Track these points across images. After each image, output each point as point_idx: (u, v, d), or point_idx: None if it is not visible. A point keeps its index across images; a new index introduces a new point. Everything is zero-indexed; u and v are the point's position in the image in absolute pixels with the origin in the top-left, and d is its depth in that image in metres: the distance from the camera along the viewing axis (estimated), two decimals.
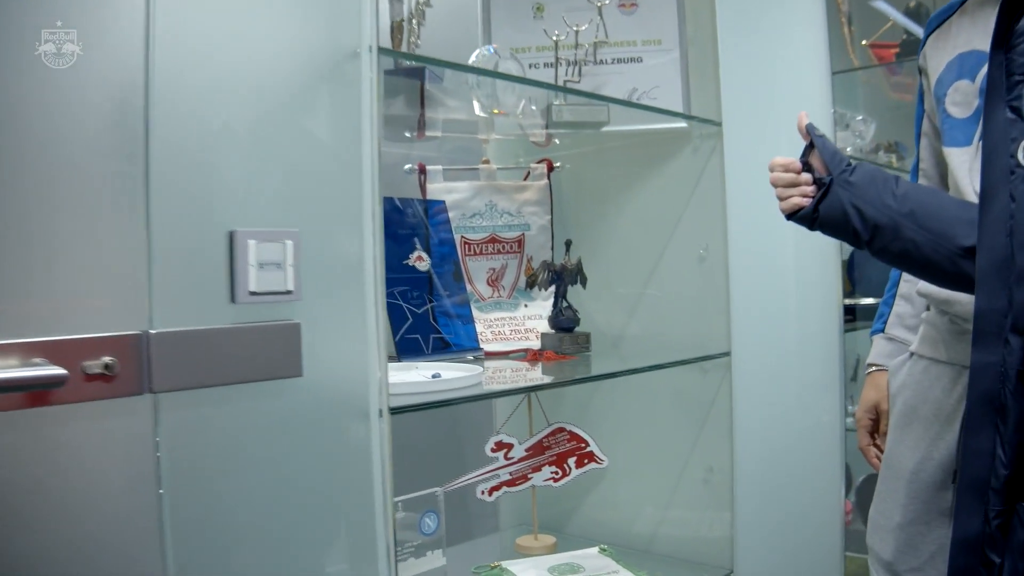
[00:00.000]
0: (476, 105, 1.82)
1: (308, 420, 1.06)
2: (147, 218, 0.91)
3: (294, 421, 1.04)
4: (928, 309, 1.43)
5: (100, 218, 0.87)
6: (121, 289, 0.90)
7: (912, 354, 1.43)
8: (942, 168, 1.46)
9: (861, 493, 2.32)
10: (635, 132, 1.95)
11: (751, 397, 1.91)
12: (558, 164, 2.04)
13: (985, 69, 1.25)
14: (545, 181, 2.04)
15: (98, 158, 0.85)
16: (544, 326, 1.93)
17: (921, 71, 1.46)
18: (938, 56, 1.38)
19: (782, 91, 1.94)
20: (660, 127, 1.93)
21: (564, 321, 1.88)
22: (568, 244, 1.92)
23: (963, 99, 1.31)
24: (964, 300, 1.26)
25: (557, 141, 2.06)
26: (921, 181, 1.51)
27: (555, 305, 1.90)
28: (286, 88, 1.06)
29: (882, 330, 1.55)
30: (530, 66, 1.87)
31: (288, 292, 1.03)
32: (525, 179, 2.03)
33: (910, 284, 1.51)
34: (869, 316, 1.69)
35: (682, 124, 1.91)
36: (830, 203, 1.18)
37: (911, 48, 3.25)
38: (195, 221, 0.96)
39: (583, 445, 1.80)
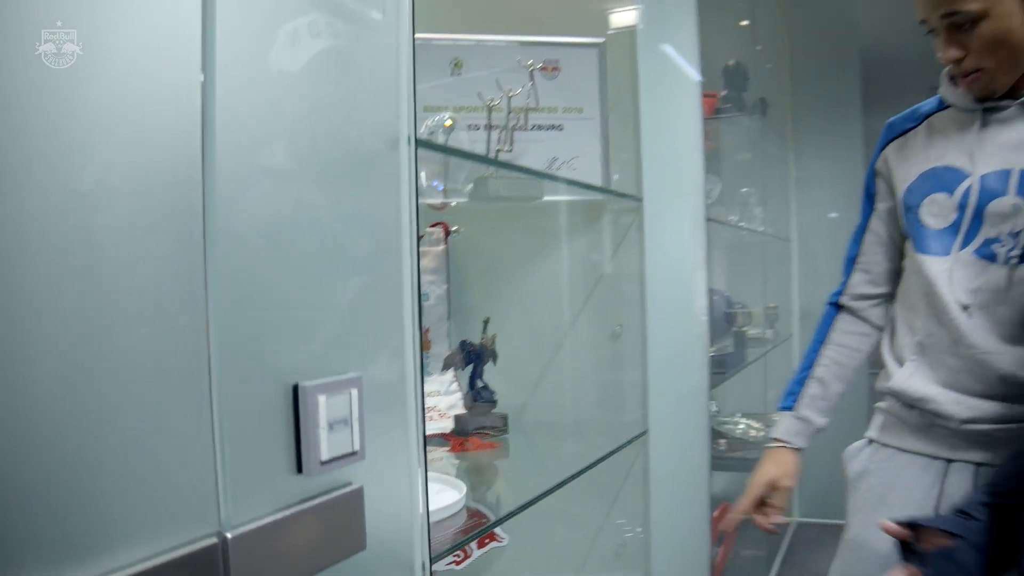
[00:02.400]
0: None
1: None
2: (209, 373, 0.68)
3: None
4: (883, 400, 1.49)
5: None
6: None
7: (871, 441, 1.49)
8: (889, 266, 1.53)
9: None
10: (549, 201, 1.86)
11: (665, 472, 1.90)
12: (455, 228, 1.89)
13: (966, 184, 1.32)
14: (443, 247, 1.88)
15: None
16: (445, 402, 1.78)
17: (878, 173, 1.52)
18: (906, 166, 1.44)
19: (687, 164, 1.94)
20: (577, 198, 1.85)
21: (483, 405, 1.74)
22: (486, 323, 1.78)
23: (940, 211, 1.37)
24: (943, 398, 1.33)
25: (454, 203, 1.91)
26: (858, 275, 1.57)
27: (471, 386, 1.76)
28: (333, 183, 0.85)
29: (791, 408, 1.58)
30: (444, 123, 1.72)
31: (354, 453, 0.82)
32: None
33: (826, 368, 1.57)
34: None
35: (600, 196, 1.84)
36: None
37: (730, 102, 3.46)
38: (256, 373, 0.74)
39: (483, 521, 1.68)
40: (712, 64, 3.27)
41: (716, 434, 3.44)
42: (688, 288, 2.14)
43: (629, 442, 1.79)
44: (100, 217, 0.61)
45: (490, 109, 1.68)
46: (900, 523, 1.17)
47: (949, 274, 1.36)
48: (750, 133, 3.75)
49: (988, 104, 1.36)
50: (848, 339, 1.58)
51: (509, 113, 1.70)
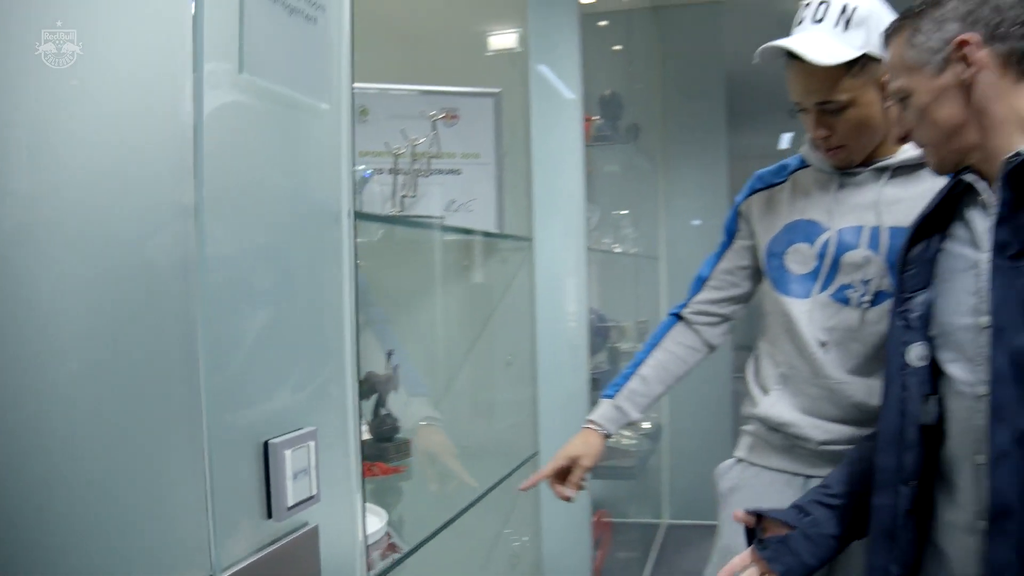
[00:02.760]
0: None
1: None
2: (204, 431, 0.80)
3: None
4: (749, 424, 1.70)
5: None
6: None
7: (740, 460, 1.69)
8: (733, 293, 1.78)
9: None
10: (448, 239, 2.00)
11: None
12: (359, 262, 2.00)
13: (825, 237, 1.54)
14: None
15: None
16: None
17: (741, 215, 1.74)
18: (771, 216, 1.66)
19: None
20: (475, 237, 2.00)
21: (387, 431, 1.86)
22: (389, 354, 1.90)
23: (802, 259, 1.59)
24: (803, 423, 1.55)
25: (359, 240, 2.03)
26: (704, 294, 1.78)
27: (375, 414, 1.87)
28: (286, 255, 0.97)
29: (612, 397, 1.77)
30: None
31: (312, 497, 0.95)
32: None
33: (652, 369, 1.76)
34: None
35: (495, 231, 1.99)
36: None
37: (605, 131, 3.68)
38: (235, 432, 0.85)
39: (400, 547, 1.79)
40: (588, 91, 3.48)
41: None
42: (572, 317, 2.32)
43: (522, 464, 1.94)
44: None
45: (396, 157, 1.81)
46: (749, 512, 1.39)
47: (809, 314, 1.58)
48: (623, 157, 3.98)
49: (844, 169, 1.59)
50: (678, 348, 1.78)
51: (413, 160, 1.83)
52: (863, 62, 1.49)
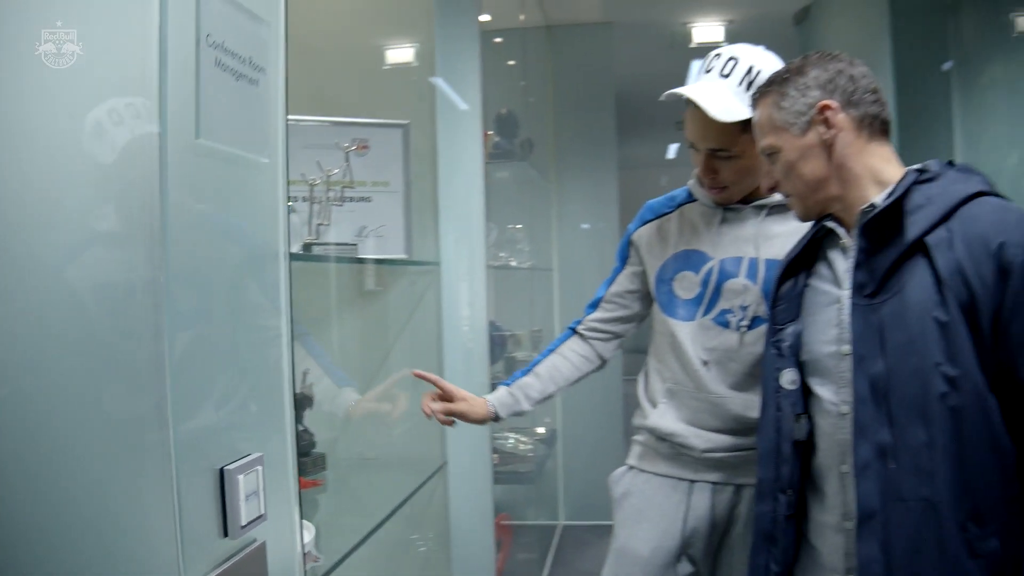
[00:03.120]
0: None
1: None
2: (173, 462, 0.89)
3: None
4: (639, 434, 1.87)
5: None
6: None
7: (631, 467, 1.86)
8: (624, 313, 1.95)
9: None
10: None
11: (460, 493, 2.19)
12: None
13: (709, 266, 1.72)
14: None
15: None
16: None
17: (633, 243, 1.91)
18: (660, 245, 1.83)
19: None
20: (383, 257, 2.10)
21: (304, 446, 1.95)
22: (305, 373, 1.99)
23: (688, 285, 1.77)
24: (688, 433, 1.73)
25: None
26: (600, 313, 1.96)
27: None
28: (235, 289, 1.07)
29: (509, 385, 1.93)
30: None
31: (261, 516, 1.05)
32: None
33: (546, 369, 1.93)
34: None
35: (404, 256, 2.11)
36: None
37: (501, 148, 3.82)
38: (197, 460, 0.95)
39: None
40: (486, 108, 3.61)
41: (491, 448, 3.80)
42: (473, 332, 2.45)
43: (433, 475, 2.06)
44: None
45: (311, 187, 1.91)
46: None
47: (693, 336, 1.76)
48: (518, 173, 4.12)
49: (727, 205, 1.77)
50: (572, 355, 1.94)
51: (328, 191, 1.93)
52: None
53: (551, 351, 1.96)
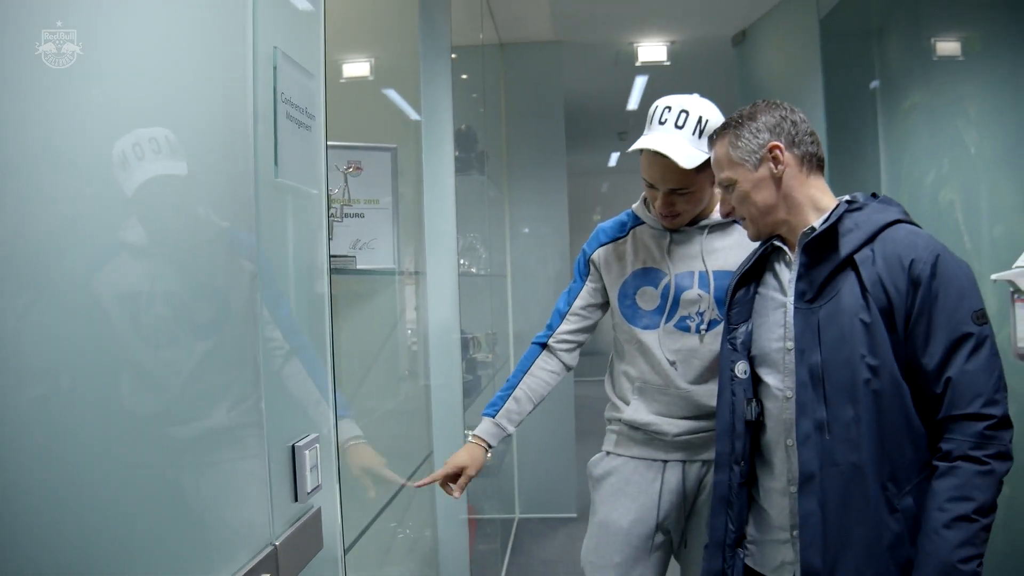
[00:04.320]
0: None
1: None
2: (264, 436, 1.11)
3: None
4: (613, 424, 2.12)
5: None
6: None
7: (608, 453, 2.11)
8: (585, 324, 2.21)
9: None
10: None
11: (445, 494, 2.41)
12: None
13: (665, 280, 1.98)
14: None
15: None
16: None
17: (592, 262, 2.16)
18: (619, 265, 2.11)
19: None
20: (373, 267, 2.32)
21: None
22: None
23: (649, 298, 2.04)
24: (660, 423, 1.99)
25: None
26: (564, 324, 2.22)
27: None
28: (297, 301, 1.29)
29: (493, 416, 2.17)
30: None
31: (319, 486, 1.27)
32: None
33: (523, 392, 2.18)
34: None
35: (392, 266, 2.33)
36: None
37: (460, 163, 4.03)
38: (277, 439, 1.17)
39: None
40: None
41: None
42: (450, 334, 2.69)
43: (421, 463, 2.29)
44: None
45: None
46: None
47: (659, 341, 2.04)
48: (475, 185, 4.35)
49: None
50: (544, 373, 2.19)
51: (329, 209, 2.15)
52: (707, 163, 1.94)
53: (524, 371, 2.20)
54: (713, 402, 1.94)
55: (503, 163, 5.20)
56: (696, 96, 2.00)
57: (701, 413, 2.02)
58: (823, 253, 1.61)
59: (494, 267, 4.70)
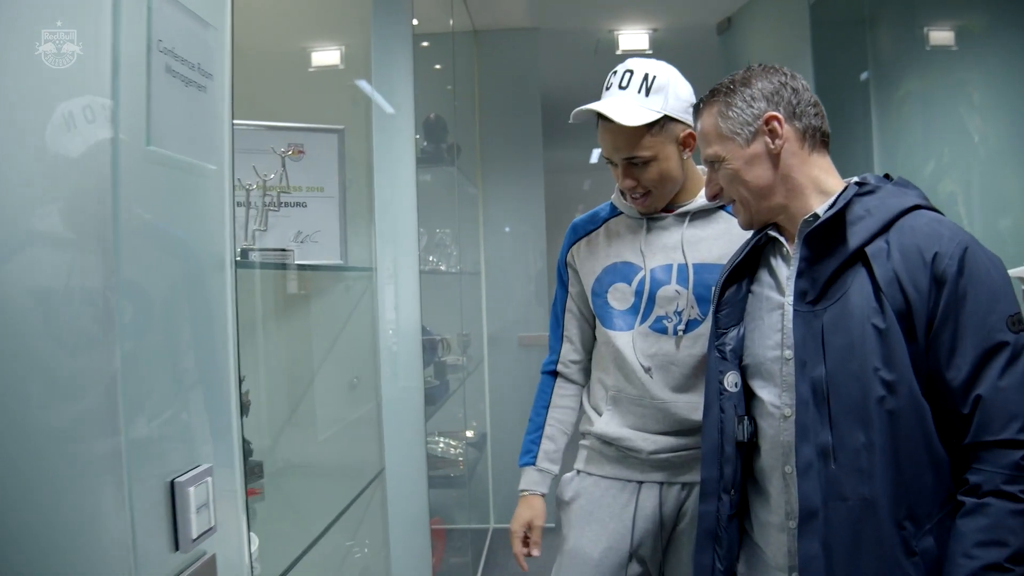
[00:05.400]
0: None
1: None
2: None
3: None
4: (586, 439, 1.89)
5: None
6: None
7: (579, 472, 1.88)
8: (585, 336, 1.95)
9: None
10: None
11: (398, 498, 2.18)
12: None
13: (640, 276, 1.75)
14: None
15: None
16: None
17: (568, 265, 1.95)
18: (592, 260, 1.87)
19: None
20: (318, 263, 2.08)
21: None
22: (241, 380, 1.96)
23: (622, 296, 1.81)
24: (635, 438, 1.76)
25: None
26: (567, 345, 1.98)
27: None
28: (182, 298, 1.05)
29: (533, 463, 1.96)
30: None
31: (211, 528, 1.03)
32: None
33: (553, 428, 1.98)
34: None
35: (339, 261, 2.09)
36: None
37: (428, 153, 3.82)
38: (142, 471, 0.93)
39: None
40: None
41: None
42: (408, 338, 2.45)
43: (372, 480, 2.05)
44: None
45: (248, 192, 1.88)
46: None
47: (632, 344, 1.80)
48: (446, 178, 4.13)
49: (650, 215, 1.81)
50: (566, 401, 1.99)
51: (264, 195, 1.90)
52: (662, 123, 1.73)
53: (546, 406, 2.00)
54: (695, 416, 1.71)
55: (477, 156, 4.97)
56: (651, 59, 1.79)
57: (681, 428, 1.78)
58: (828, 245, 1.36)
59: (467, 264, 4.47)
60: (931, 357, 1.27)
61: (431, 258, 3.82)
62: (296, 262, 1.93)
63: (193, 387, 1.06)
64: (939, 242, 1.27)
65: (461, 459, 4.14)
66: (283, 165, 1.95)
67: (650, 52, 4.80)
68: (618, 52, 4.84)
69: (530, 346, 4.78)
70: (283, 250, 1.90)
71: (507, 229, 5.00)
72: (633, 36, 4.84)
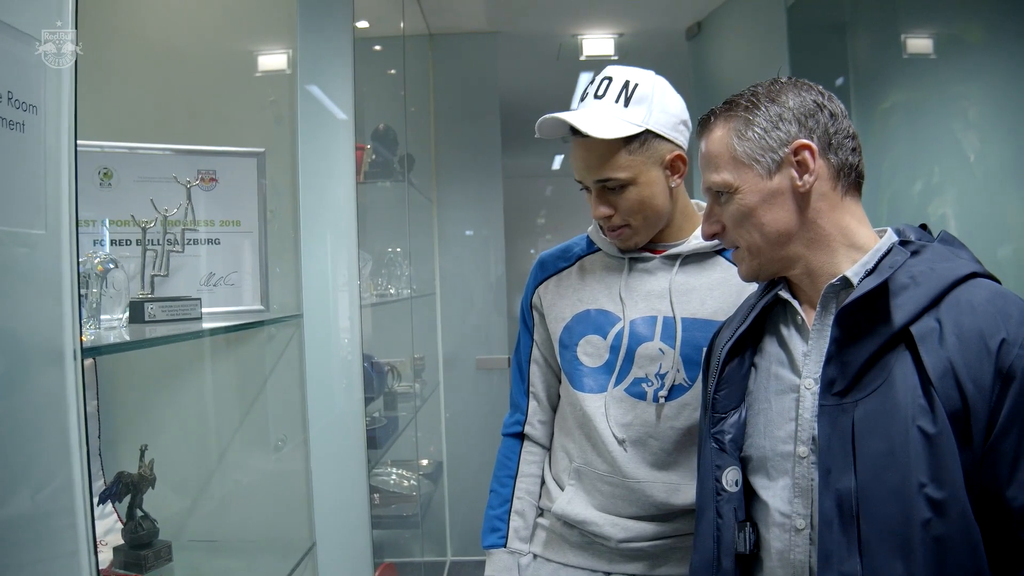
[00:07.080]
0: None
1: None
2: None
3: None
4: (541, 516, 1.61)
5: None
6: None
7: (536, 556, 1.59)
8: (552, 391, 1.65)
9: None
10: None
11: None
12: None
13: (618, 327, 1.47)
14: (90, 361, 1.73)
15: None
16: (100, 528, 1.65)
17: (534, 307, 1.65)
18: (561, 304, 1.58)
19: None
20: (234, 309, 1.78)
21: (145, 536, 1.63)
22: (143, 450, 1.66)
23: (595, 351, 1.51)
24: (602, 522, 1.47)
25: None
26: (533, 403, 1.68)
27: (130, 516, 1.63)
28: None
29: (503, 545, 1.64)
30: (94, 242, 1.60)
31: None
32: None
33: (522, 501, 1.66)
34: None
35: (259, 307, 1.79)
36: None
37: (379, 167, 3.53)
38: None
39: None
40: (363, 120, 3.31)
41: (370, 488, 3.48)
42: (346, 388, 2.14)
43: (302, 559, 1.76)
44: None
45: (144, 230, 1.58)
46: None
47: (605, 410, 1.49)
48: (397, 192, 3.83)
49: (633, 254, 1.53)
50: (533, 468, 1.67)
51: (165, 235, 1.61)
52: (643, 138, 1.43)
53: (512, 476, 1.68)
54: (675, 499, 1.44)
55: (432, 166, 4.68)
56: (635, 68, 1.50)
57: (658, 513, 1.49)
58: (865, 322, 1.07)
59: (420, 284, 4.17)
60: (987, 470, 0.99)
61: (379, 280, 3.52)
62: (204, 311, 1.63)
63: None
64: (1007, 325, 1.00)
65: (415, 492, 3.85)
66: (188, 197, 1.65)
67: (616, 58, 4.55)
68: (582, 58, 4.58)
69: (490, 369, 4.50)
70: (187, 299, 1.61)
71: (469, 232, 4.71)
72: (598, 41, 4.57)
